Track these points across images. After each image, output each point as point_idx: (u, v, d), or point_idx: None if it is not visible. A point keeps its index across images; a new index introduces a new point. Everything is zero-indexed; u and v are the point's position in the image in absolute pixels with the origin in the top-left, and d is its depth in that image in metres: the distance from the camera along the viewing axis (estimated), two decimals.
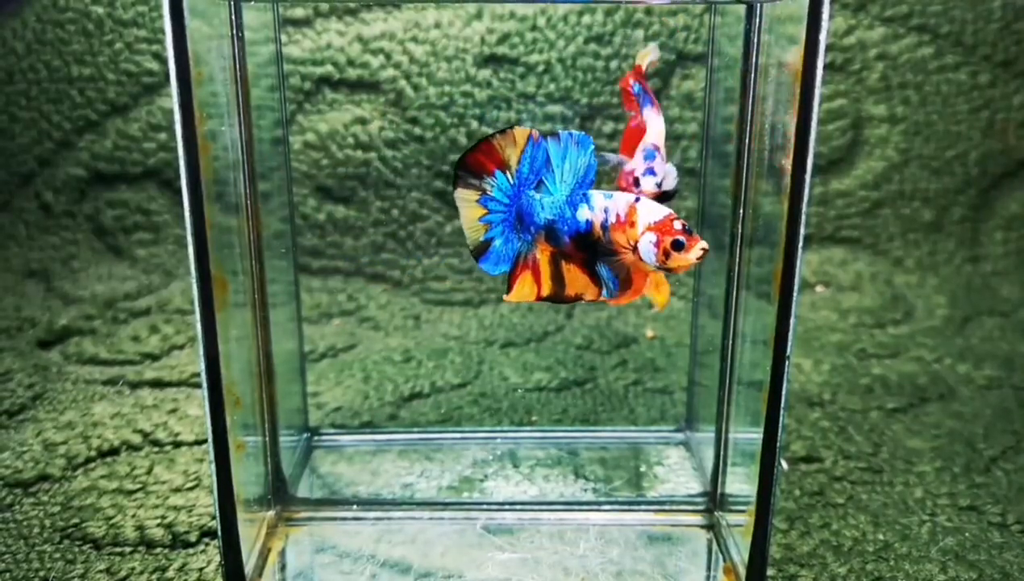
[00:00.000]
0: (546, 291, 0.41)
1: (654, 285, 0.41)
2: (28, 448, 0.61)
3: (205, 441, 0.61)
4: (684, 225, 0.38)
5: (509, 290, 0.42)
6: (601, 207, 0.40)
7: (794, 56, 0.38)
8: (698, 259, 0.38)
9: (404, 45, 0.95)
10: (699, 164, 0.56)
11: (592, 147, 0.40)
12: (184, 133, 0.38)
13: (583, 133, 0.40)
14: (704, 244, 0.38)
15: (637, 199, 0.40)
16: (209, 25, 0.40)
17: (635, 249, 0.39)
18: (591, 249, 0.40)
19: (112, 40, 0.98)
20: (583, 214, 0.40)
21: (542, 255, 0.41)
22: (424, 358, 0.79)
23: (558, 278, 0.41)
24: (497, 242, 0.41)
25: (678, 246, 0.38)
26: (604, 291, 0.41)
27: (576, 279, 0.41)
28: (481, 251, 0.41)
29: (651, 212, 0.39)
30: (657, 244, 0.38)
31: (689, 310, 0.73)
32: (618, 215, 0.39)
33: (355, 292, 0.95)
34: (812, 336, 0.85)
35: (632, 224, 0.39)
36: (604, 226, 0.39)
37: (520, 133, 0.39)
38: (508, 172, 0.40)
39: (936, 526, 0.53)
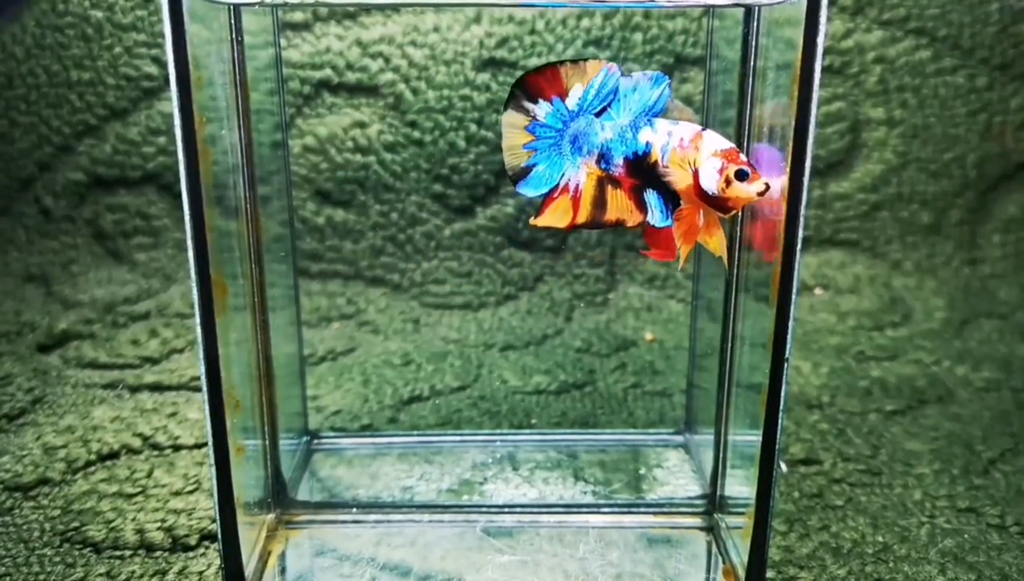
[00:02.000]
0: (584, 217, 0.40)
1: (707, 230, 0.41)
2: (28, 452, 0.61)
3: (205, 444, 0.61)
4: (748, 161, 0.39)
5: (540, 213, 0.41)
6: (665, 131, 0.39)
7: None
8: (759, 194, 0.38)
9: (403, 49, 0.95)
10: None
11: (667, 81, 0.39)
12: (184, 137, 0.38)
13: (661, 72, 0.39)
14: (766, 180, 0.38)
15: (704, 128, 0.39)
16: (208, 29, 0.40)
17: (695, 174, 0.38)
18: (644, 174, 0.39)
19: (111, 44, 0.98)
20: (644, 136, 0.39)
21: (588, 178, 0.40)
22: (423, 361, 0.79)
23: (600, 203, 0.40)
24: (541, 166, 0.40)
25: (742, 176, 0.38)
26: (650, 217, 0.40)
27: (620, 204, 0.40)
28: (521, 176, 0.41)
29: (718, 141, 0.39)
30: (721, 170, 0.38)
31: (688, 313, 0.73)
32: (682, 139, 0.39)
33: (354, 296, 0.95)
34: (811, 339, 0.85)
35: (696, 149, 0.39)
36: (664, 150, 0.39)
37: (593, 65, 0.39)
38: (568, 100, 0.40)
39: (935, 528, 0.53)
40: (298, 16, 0.95)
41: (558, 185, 0.40)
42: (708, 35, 0.52)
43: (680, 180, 0.39)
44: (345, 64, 0.95)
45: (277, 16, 0.51)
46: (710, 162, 0.38)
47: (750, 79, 0.45)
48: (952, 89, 1.00)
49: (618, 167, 0.40)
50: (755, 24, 0.44)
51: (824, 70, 0.98)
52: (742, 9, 0.45)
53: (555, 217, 0.40)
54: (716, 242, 0.41)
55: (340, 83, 0.96)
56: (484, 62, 0.94)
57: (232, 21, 0.43)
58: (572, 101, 0.40)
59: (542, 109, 0.40)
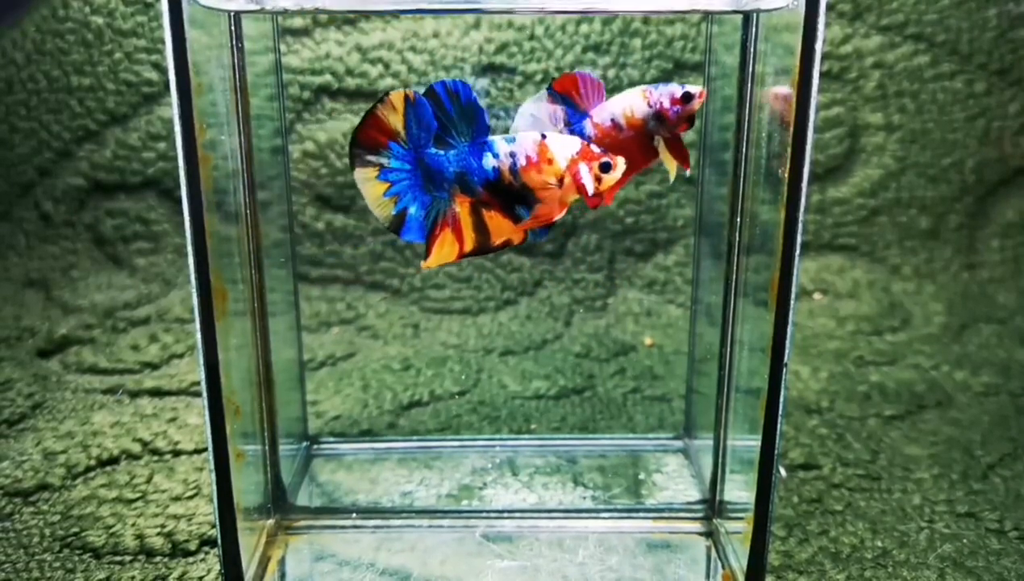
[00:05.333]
0: (470, 245, 0.40)
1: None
2: (28, 457, 0.61)
3: (204, 450, 0.61)
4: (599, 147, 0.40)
5: (428, 254, 0.41)
6: (506, 152, 0.40)
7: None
8: (622, 174, 0.40)
9: (403, 54, 0.95)
10: (697, 172, 0.56)
11: (470, 92, 0.39)
12: (184, 143, 0.38)
13: (462, 81, 0.39)
14: (622, 159, 0.40)
15: (543, 136, 0.40)
16: (209, 35, 0.40)
17: (561, 183, 0.39)
18: (505, 194, 0.40)
19: (111, 50, 0.98)
20: (488, 162, 0.40)
21: (462, 207, 0.40)
22: (423, 366, 0.79)
23: (481, 228, 0.41)
24: (412, 209, 0.41)
25: (607, 168, 0.39)
26: (529, 234, 0.41)
27: (500, 226, 0.41)
28: (399, 225, 0.41)
29: (566, 145, 0.39)
30: (591, 171, 0.39)
31: (687, 318, 0.73)
32: (528, 157, 0.39)
33: (354, 301, 0.95)
34: (810, 343, 0.85)
35: (549, 161, 0.39)
36: (513, 170, 0.39)
37: (396, 97, 0.39)
38: (399, 139, 0.40)
39: (934, 533, 0.53)
40: (298, 22, 0.95)
41: (436, 222, 0.41)
42: (707, 41, 0.52)
43: (550, 197, 0.40)
44: (345, 70, 0.95)
45: (277, 22, 0.51)
46: (582, 169, 0.39)
47: (749, 84, 0.45)
48: (950, 94, 1.00)
49: (481, 193, 0.40)
50: (754, 30, 0.44)
51: (822, 75, 0.98)
52: (740, 15, 0.45)
53: (443, 253, 0.41)
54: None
55: (340, 88, 0.96)
56: (484, 67, 0.94)
57: (232, 27, 0.44)
58: (403, 140, 0.40)
59: (385, 156, 0.40)
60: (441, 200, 0.41)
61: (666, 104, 0.43)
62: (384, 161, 0.40)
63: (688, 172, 0.46)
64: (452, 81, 0.39)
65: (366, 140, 0.40)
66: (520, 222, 0.40)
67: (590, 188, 0.39)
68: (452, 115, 0.39)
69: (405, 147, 0.40)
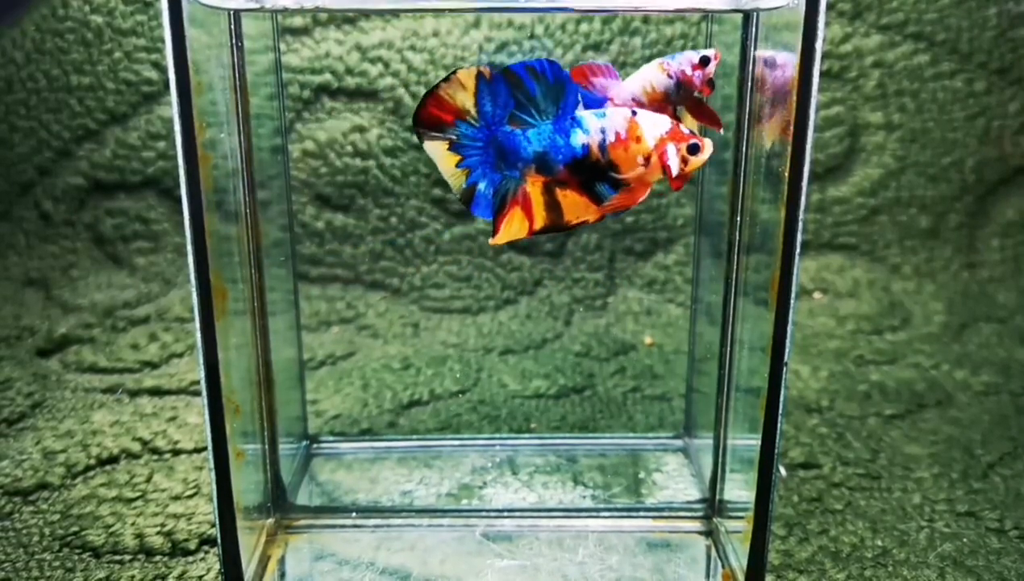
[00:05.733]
0: (540, 223, 0.40)
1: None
2: (27, 456, 0.61)
3: (204, 449, 0.61)
4: (687, 128, 0.39)
5: (496, 231, 0.40)
6: (597, 128, 0.39)
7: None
8: (708, 158, 0.39)
9: (402, 53, 0.95)
10: (697, 171, 0.56)
11: (566, 73, 0.39)
12: (184, 142, 0.38)
13: (548, 60, 0.39)
14: (710, 141, 0.39)
15: (633, 113, 0.39)
16: (208, 34, 0.40)
17: (647, 162, 0.39)
18: (588, 172, 0.39)
19: (111, 49, 0.98)
20: (578, 139, 0.39)
21: (533, 187, 0.40)
22: (423, 366, 0.79)
23: (554, 206, 0.40)
24: (481, 186, 0.40)
25: (694, 149, 0.39)
26: (607, 203, 0.40)
27: (574, 204, 0.40)
28: (469, 198, 0.41)
29: (655, 124, 0.39)
30: (678, 152, 0.39)
31: (687, 317, 0.73)
32: (617, 133, 0.39)
33: (354, 300, 0.95)
34: (810, 343, 0.85)
35: (638, 139, 0.39)
36: (602, 147, 0.39)
37: (466, 76, 0.39)
38: (468, 117, 0.39)
39: (934, 532, 0.53)
40: (298, 21, 0.95)
41: (504, 201, 0.40)
42: (707, 40, 0.52)
43: (635, 177, 0.39)
44: (344, 69, 0.95)
45: (277, 21, 0.51)
46: (669, 150, 0.38)
47: (748, 84, 0.45)
48: (950, 93, 1.00)
49: (560, 172, 0.40)
50: (753, 29, 0.44)
51: (822, 74, 0.98)
52: (740, 14, 0.45)
53: (511, 230, 0.40)
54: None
55: (340, 88, 0.96)
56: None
57: (232, 26, 0.43)
58: (472, 118, 0.40)
59: (452, 132, 0.40)
60: (511, 179, 0.40)
61: (688, 71, 0.43)
62: (453, 136, 0.40)
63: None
64: (536, 60, 0.38)
65: (427, 118, 0.40)
66: (602, 203, 0.40)
67: (675, 169, 0.38)
68: (534, 94, 0.39)
69: (476, 125, 0.40)
